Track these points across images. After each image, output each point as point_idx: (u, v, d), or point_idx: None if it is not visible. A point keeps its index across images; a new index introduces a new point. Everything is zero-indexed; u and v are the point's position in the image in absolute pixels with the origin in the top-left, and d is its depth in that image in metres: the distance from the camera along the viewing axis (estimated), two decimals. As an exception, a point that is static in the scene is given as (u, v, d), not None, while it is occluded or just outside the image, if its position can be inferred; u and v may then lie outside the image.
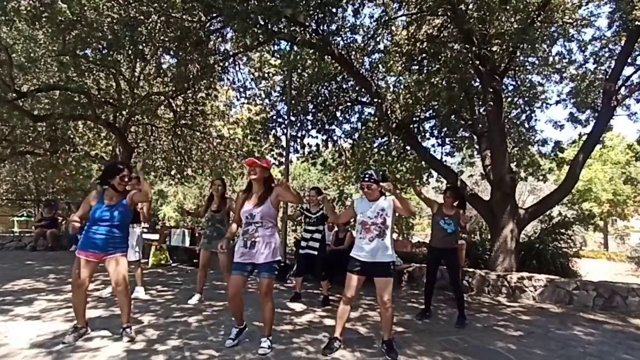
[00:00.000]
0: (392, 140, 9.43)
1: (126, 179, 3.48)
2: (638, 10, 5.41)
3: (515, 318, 4.81)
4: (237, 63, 9.41)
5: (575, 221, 8.98)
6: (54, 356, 3.02)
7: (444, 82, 7.25)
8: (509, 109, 8.74)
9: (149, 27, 6.81)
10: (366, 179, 3.36)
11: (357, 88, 8.87)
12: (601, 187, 28.00)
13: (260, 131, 9.86)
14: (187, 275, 7.12)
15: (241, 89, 10.25)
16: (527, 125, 8.95)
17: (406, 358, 3.29)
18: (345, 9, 7.26)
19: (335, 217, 4.08)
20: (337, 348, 3.34)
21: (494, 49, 6.51)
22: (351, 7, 7.20)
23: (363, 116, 9.80)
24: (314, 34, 6.88)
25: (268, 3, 5.78)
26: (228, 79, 9.76)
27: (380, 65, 8.74)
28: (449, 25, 7.17)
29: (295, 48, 7.95)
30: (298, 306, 5.00)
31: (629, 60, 6.76)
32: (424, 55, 7.54)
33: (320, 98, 9.19)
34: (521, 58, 7.73)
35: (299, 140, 9.71)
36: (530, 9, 6.06)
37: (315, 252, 5.28)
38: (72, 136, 11.88)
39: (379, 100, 7.49)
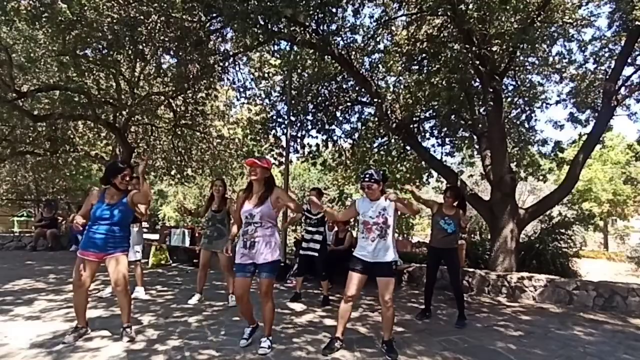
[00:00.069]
0: (392, 140, 9.43)
1: (127, 178, 3.49)
2: (638, 10, 5.40)
3: (515, 318, 4.82)
4: (237, 63, 9.40)
5: (575, 221, 8.99)
6: (54, 356, 3.02)
7: (444, 82, 7.25)
8: (509, 109, 8.74)
9: (149, 27, 6.80)
10: (367, 179, 3.36)
11: (357, 88, 8.86)
12: (601, 187, 27.98)
13: (260, 131, 9.86)
14: (187, 275, 7.12)
15: (241, 89, 10.26)
16: (527, 125, 8.95)
17: (406, 358, 3.29)
18: (345, 9, 7.26)
19: (335, 217, 4.08)
20: (338, 348, 3.34)
21: (494, 49, 6.50)
22: (351, 7, 7.20)
23: (363, 116, 9.81)
24: (314, 34, 6.88)
25: (268, 3, 5.77)
26: (228, 79, 9.76)
27: (380, 65, 8.73)
28: (449, 25, 7.16)
29: (295, 48, 7.95)
30: (298, 306, 5.00)
31: (629, 60, 6.76)
32: (424, 55, 7.53)
33: (320, 98, 9.18)
34: (521, 58, 7.73)
35: (299, 140, 9.71)
36: (530, 9, 6.05)
37: (316, 254, 5.28)
38: (72, 136, 11.89)
39: (379, 100, 7.49)
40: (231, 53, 8.46)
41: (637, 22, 5.51)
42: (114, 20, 6.65)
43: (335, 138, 9.84)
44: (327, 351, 3.28)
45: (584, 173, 22.92)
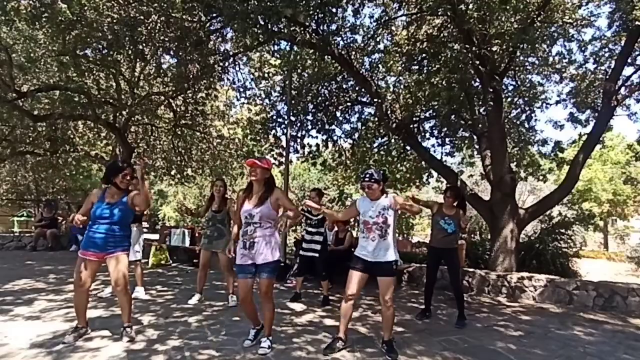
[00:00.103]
0: (392, 140, 9.43)
1: (128, 177, 3.49)
2: (638, 10, 5.40)
3: (515, 318, 4.82)
4: (237, 63, 9.40)
5: (575, 221, 8.99)
6: (54, 356, 3.02)
7: (444, 82, 7.25)
8: (509, 109, 8.74)
9: (149, 27, 6.80)
10: (367, 179, 3.36)
11: (357, 88, 8.86)
12: (601, 187, 27.97)
13: (260, 131, 9.87)
14: (187, 275, 7.12)
15: (241, 89, 10.26)
16: (527, 125, 8.95)
17: (406, 358, 3.29)
18: (345, 9, 7.26)
19: (335, 217, 4.07)
20: (340, 348, 3.33)
21: (494, 49, 6.50)
22: (351, 7, 7.20)
23: (363, 116, 9.81)
24: (314, 34, 6.88)
25: (268, 3, 5.77)
26: (228, 79, 9.76)
27: (380, 65, 8.73)
28: (449, 25, 7.16)
29: (295, 48, 7.96)
30: (298, 306, 5.00)
31: (629, 60, 6.76)
32: (424, 55, 7.53)
33: (320, 98, 9.18)
34: (521, 58, 7.73)
35: (299, 140, 9.71)
36: (530, 9, 6.05)
37: (317, 254, 5.28)
38: (72, 136, 11.89)
39: (379, 100, 7.49)
40: (231, 53, 8.46)
41: (637, 22, 5.51)
42: (114, 20, 6.65)
43: (335, 138, 9.85)
44: (328, 351, 3.28)
45: (584, 173, 22.91)
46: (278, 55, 8.60)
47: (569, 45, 7.61)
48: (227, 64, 8.84)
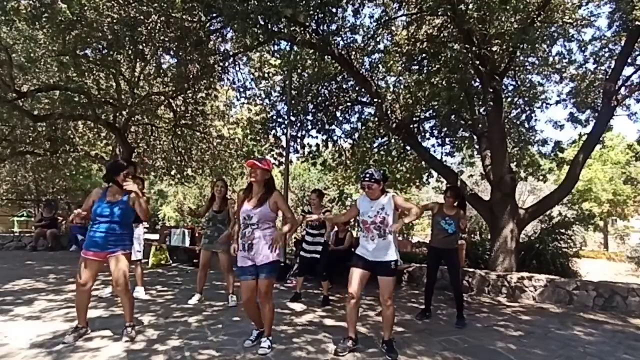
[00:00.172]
0: (392, 140, 9.43)
1: (130, 176, 3.52)
2: (638, 10, 5.40)
3: (515, 318, 4.82)
4: (237, 63, 9.41)
5: (575, 221, 8.99)
6: (54, 356, 3.02)
7: (444, 82, 7.25)
8: (509, 109, 8.74)
9: (149, 27, 6.80)
10: (367, 179, 3.36)
11: (357, 88, 8.86)
12: (601, 187, 27.97)
13: (260, 131, 9.87)
14: (187, 275, 7.12)
15: (241, 89, 10.27)
16: (527, 125, 8.96)
17: (406, 358, 3.29)
18: (345, 9, 7.26)
19: (338, 220, 4.05)
20: (351, 348, 3.32)
21: (494, 49, 6.50)
22: (351, 7, 7.21)
23: (363, 116, 9.81)
24: (314, 34, 6.88)
25: (268, 3, 5.77)
26: (228, 79, 9.77)
27: (380, 65, 8.73)
28: (449, 25, 7.16)
29: (295, 48, 7.96)
30: (298, 306, 5.00)
31: (629, 60, 6.76)
32: (424, 55, 7.53)
33: (320, 98, 9.18)
34: (521, 58, 7.73)
35: (299, 140, 9.71)
36: (530, 9, 6.05)
37: (319, 256, 5.27)
38: (72, 136, 11.89)
39: (379, 100, 7.49)
40: (231, 53, 8.46)
41: (637, 22, 5.51)
42: (114, 20, 6.65)
43: (335, 138, 9.86)
44: (338, 351, 3.27)
45: (584, 173, 22.92)
46: (278, 55, 8.61)
47: (569, 45, 7.62)
48: (227, 64, 8.84)
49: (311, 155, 10.07)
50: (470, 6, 5.72)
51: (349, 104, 9.37)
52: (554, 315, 5.06)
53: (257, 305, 3.34)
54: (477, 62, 6.32)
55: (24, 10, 6.39)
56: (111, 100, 10.14)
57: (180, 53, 7.08)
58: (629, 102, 7.75)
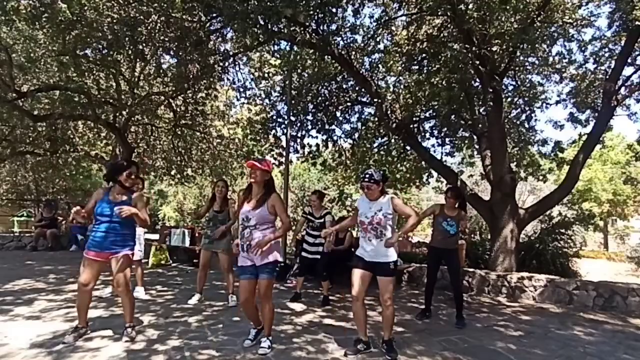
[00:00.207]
0: (392, 140, 9.43)
1: (133, 176, 3.52)
2: (638, 10, 5.40)
3: (515, 318, 4.82)
4: (237, 63, 9.41)
5: (575, 221, 8.99)
6: (54, 356, 3.02)
7: (444, 82, 7.24)
8: (509, 109, 8.74)
9: (149, 27, 6.80)
10: (366, 179, 3.35)
11: (357, 88, 8.86)
12: (601, 187, 27.97)
13: (260, 131, 9.87)
14: (187, 275, 7.12)
15: (241, 89, 10.27)
16: (527, 125, 8.95)
17: (406, 358, 3.29)
18: (345, 9, 7.26)
19: (348, 226, 4.04)
20: (362, 350, 3.32)
21: (494, 49, 6.50)
22: (351, 7, 7.20)
23: (363, 116, 9.81)
24: (314, 34, 6.88)
25: (268, 3, 5.78)
26: (228, 79, 9.77)
27: (380, 65, 8.73)
28: (449, 25, 7.16)
29: (295, 48, 7.96)
30: (298, 306, 5.00)
31: (629, 60, 6.76)
32: (424, 55, 7.53)
33: (320, 98, 9.18)
34: (521, 58, 7.72)
35: (299, 140, 9.71)
36: (530, 9, 6.05)
37: (319, 257, 5.27)
38: (72, 136, 11.89)
39: (379, 100, 7.49)
40: (231, 53, 8.46)
41: (637, 22, 5.51)
42: (114, 20, 6.65)
43: (335, 138, 9.85)
44: (348, 353, 3.27)
45: (584, 173, 22.92)
46: (278, 55, 8.61)
47: (569, 45, 7.62)
48: (227, 64, 8.84)
49: (311, 155, 10.07)
50: (470, 6, 5.73)
51: (349, 104, 9.37)
52: (554, 315, 5.06)
53: (255, 304, 3.34)
54: (477, 62, 6.32)
55: (24, 10, 6.39)
56: (111, 100, 10.14)
57: (180, 53, 7.08)
58: (629, 102, 7.76)
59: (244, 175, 13.72)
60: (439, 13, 6.56)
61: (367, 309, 4.91)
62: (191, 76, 7.50)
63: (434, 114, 8.82)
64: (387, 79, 9.32)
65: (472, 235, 9.57)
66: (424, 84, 7.74)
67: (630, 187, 28.00)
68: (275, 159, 9.70)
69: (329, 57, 7.54)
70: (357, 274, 3.34)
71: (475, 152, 9.87)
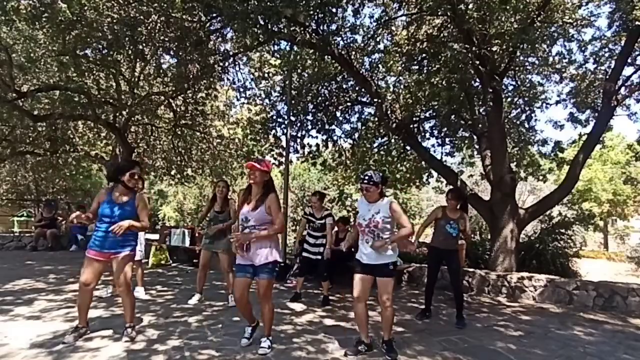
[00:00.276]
0: (392, 140, 9.43)
1: (136, 176, 3.53)
2: (638, 10, 5.41)
3: (515, 318, 4.82)
4: (237, 63, 9.41)
5: (575, 221, 9.00)
6: (54, 356, 3.02)
7: (444, 82, 7.24)
8: (509, 109, 8.74)
9: (149, 27, 6.81)
10: (365, 181, 3.32)
11: (357, 88, 8.87)
12: (601, 187, 27.96)
13: (260, 131, 9.87)
14: (187, 275, 7.11)
15: (241, 89, 10.27)
16: (527, 125, 8.96)
17: (406, 358, 3.29)
18: (345, 9, 7.26)
19: (353, 237, 4.03)
20: (363, 352, 3.32)
21: (494, 49, 6.50)
22: (351, 7, 7.21)
23: (363, 116, 9.81)
24: (314, 34, 6.88)
25: (268, 3, 5.78)
26: (228, 79, 9.78)
27: (380, 65, 8.73)
28: (449, 25, 7.16)
29: (295, 48, 7.95)
30: (298, 306, 5.00)
31: (629, 60, 6.76)
32: (424, 55, 7.53)
33: (320, 98, 9.18)
34: (521, 58, 7.73)
35: (299, 140, 9.71)
36: (530, 9, 6.05)
37: (321, 257, 5.26)
38: (72, 136, 11.90)
39: (379, 100, 7.49)
40: (231, 53, 8.46)
41: (637, 22, 5.52)
42: (114, 20, 6.65)
43: (335, 138, 9.86)
44: (350, 353, 3.27)
45: (584, 173, 22.92)
46: (278, 55, 8.60)
47: (569, 45, 7.62)
48: (227, 64, 8.85)
49: (311, 155, 10.07)
50: (470, 6, 5.73)
51: (349, 104, 9.37)
52: (554, 315, 5.06)
53: (249, 302, 3.35)
54: (477, 62, 6.32)
55: (24, 10, 6.39)
56: (111, 100, 10.15)
57: (180, 53, 7.09)
58: (629, 102, 7.77)
59: (244, 175, 13.70)
60: (439, 13, 6.57)
61: (368, 309, 4.94)
62: (191, 76, 7.50)
63: (434, 114, 8.82)
64: (387, 79, 9.34)
65: (472, 235, 9.57)
66: (424, 84, 7.74)
67: (630, 187, 27.99)
68: (275, 159, 9.69)
69: (329, 57, 7.54)
70: (357, 279, 3.34)
71: (475, 152, 9.88)
